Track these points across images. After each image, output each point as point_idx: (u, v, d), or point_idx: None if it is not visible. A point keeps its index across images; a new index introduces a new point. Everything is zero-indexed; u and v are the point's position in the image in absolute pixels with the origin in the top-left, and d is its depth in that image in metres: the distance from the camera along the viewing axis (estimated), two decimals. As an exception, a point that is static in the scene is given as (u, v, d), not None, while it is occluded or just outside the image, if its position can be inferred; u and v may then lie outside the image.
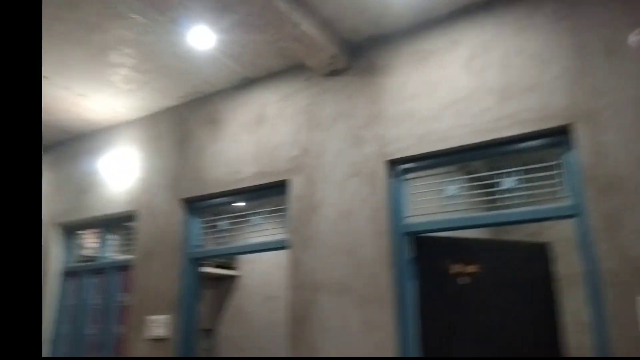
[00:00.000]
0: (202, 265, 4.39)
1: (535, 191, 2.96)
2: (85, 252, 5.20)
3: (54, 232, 5.18)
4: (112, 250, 4.95)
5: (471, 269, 3.38)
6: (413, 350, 3.05)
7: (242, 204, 4.25)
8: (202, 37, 3.48)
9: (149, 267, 4.28)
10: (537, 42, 2.96)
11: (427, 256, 3.29)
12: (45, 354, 4.85)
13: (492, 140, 2.98)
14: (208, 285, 6.11)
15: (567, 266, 4.43)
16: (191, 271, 4.16)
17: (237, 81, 4.19)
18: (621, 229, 2.54)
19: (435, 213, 3.21)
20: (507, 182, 3.08)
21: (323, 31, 3.36)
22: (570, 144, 2.82)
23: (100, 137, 5.13)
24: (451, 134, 3.10)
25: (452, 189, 3.25)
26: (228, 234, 4.22)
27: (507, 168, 3.10)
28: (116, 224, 4.90)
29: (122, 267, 4.64)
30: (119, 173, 4.78)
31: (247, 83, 4.17)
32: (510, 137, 2.94)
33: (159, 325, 4.05)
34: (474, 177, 3.34)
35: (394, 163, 3.33)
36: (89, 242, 5.22)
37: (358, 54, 3.63)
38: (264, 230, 4.00)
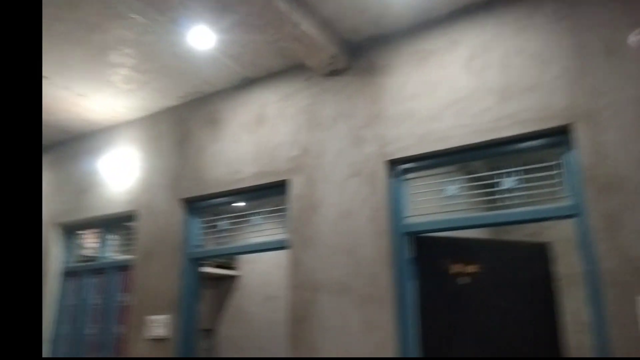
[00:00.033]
0: (202, 265, 4.40)
1: (535, 191, 2.97)
2: (85, 252, 5.20)
3: (54, 232, 5.18)
4: (112, 250, 4.95)
5: (471, 269, 3.38)
6: (413, 350, 3.05)
7: (242, 204, 4.25)
8: (202, 37, 3.49)
9: (149, 267, 4.29)
10: (537, 42, 2.96)
11: (427, 256, 3.29)
12: (45, 354, 4.85)
13: (492, 140, 2.98)
14: (208, 285, 6.11)
15: (566, 266, 4.43)
16: (191, 271, 4.17)
17: (237, 81, 4.19)
18: (621, 229, 2.54)
19: (435, 213, 3.21)
20: (507, 182, 3.08)
21: (323, 31, 3.36)
22: (570, 144, 2.82)
23: (100, 137, 5.13)
24: (451, 134, 3.11)
25: (452, 189, 3.25)
26: (228, 234, 4.22)
27: (507, 168, 3.10)
28: (116, 224, 4.90)
29: (122, 267, 4.64)
30: (119, 173, 4.79)
31: (247, 83, 4.17)
32: (510, 137, 2.94)
33: (159, 325, 4.05)
34: (474, 177, 3.34)
35: (394, 163, 3.33)
36: (89, 242, 5.22)
37: (358, 54, 3.63)
38: (264, 230, 4.00)
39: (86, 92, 4.42)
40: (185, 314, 4.05)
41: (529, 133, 2.89)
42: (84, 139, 5.29)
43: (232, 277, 6.33)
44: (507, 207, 3.04)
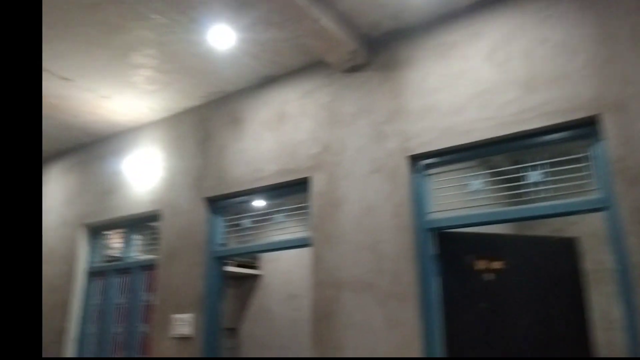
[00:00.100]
0: (226, 264, 4.41)
1: (563, 184, 2.89)
2: (110, 252, 5.27)
3: (80, 232, 5.26)
4: (137, 250, 5.00)
5: (496, 265, 3.32)
6: (438, 348, 3.01)
7: (265, 202, 4.25)
8: (222, 36, 3.50)
9: (173, 266, 4.32)
10: (561, 32, 2.89)
11: (451, 252, 3.24)
12: (72, 353, 4.93)
13: (516, 133, 2.92)
14: (231, 284, 6.14)
15: (593, 262, 4.34)
16: (215, 270, 4.18)
17: (257, 80, 4.20)
18: (653, 221, 2.47)
19: (458, 208, 3.16)
20: (533, 176, 3.01)
21: (342, 26, 3.35)
22: (598, 135, 2.75)
23: (124, 139, 5.20)
24: (474, 127, 3.05)
25: (475, 183, 3.20)
26: (251, 233, 4.23)
27: (532, 161, 3.03)
28: (141, 224, 4.95)
29: (147, 267, 4.69)
30: (143, 173, 4.84)
31: (267, 81, 4.18)
32: (535, 129, 2.87)
33: (184, 324, 4.08)
34: (499, 172, 3.28)
35: (416, 158, 3.30)
36: (114, 242, 5.29)
37: (378, 48, 3.60)
38: (286, 228, 4.00)
39: (110, 94, 4.48)
40: (209, 313, 4.07)
41: (555, 125, 2.82)
42: (108, 141, 5.36)
43: (254, 276, 6.35)
44: (533, 201, 2.97)
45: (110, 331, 4.82)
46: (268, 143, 4.01)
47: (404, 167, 3.28)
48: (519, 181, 3.09)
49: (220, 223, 4.32)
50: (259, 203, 4.28)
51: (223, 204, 4.29)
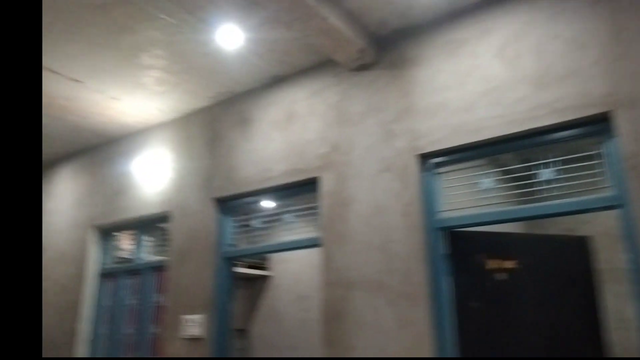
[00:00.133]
0: (236, 264, 4.41)
1: (575, 182, 2.86)
2: (121, 254, 5.29)
3: (91, 234, 5.28)
4: (147, 251, 5.02)
5: (508, 264, 3.29)
6: (450, 348, 2.98)
7: (274, 202, 4.25)
8: (230, 36, 3.50)
9: (183, 267, 4.32)
10: (572, 27, 2.85)
11: (462, 252, 3.21)
12: (83, 354, 4.95)
13: (527, 130, 2.89)
14: (241, 285, 6.14)
15: (605, 262, 4.29)
16: (225, 270, 4.18)
17: (266, 79, 4.19)
18: (668, 218, 2.43)
19: (469, 207, 3.13)
20: (545, 174, 2.98)
21: (350, 25, 3.33)
22: (611, 132, 2.71)
23: (134, 140, 5.22)
24: (485, 125, 3.02)
25: (486, 182, 3.17)
26: (260, 233, 4.22)
27: (544, 159, 3.00)
28: (151, 225, 4.97)
29: (157, 268, 4.70)
30: (153, 175, 4.85)
31: (276, 81, 4.17)
32: (546, 126, 2.84)
33: (194, 324, 4.08)
34: (510, 170, 3.24)
35: (425, 157, 3.27)
36: (125, 243, 5.31)
37: (386, 47, 3.58)
38: (296, 229, 3.99)
39: (119, 95, 4.50)
40: (219, 314, 4.06)
41: (567, 122, 2.79)
42: (117, 142, 5.39)
43: (264, 277, 6.35)
44: (545, 199, 2.94)
45: (121, 332, 4.84)
46: (277, 143, 4.01)
47: (413, 166, 3.26)
48: (530, 179, 3.06)
49: (230, 223, 4.32)
50: (268, 203, 4.28)
51: (232, 205, 4.29)
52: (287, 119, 4.01)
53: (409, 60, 3.45)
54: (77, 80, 4.26)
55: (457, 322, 3.05)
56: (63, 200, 5.80)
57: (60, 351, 5.06)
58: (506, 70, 3.02)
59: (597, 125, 2.76)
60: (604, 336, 3.20)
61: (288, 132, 3.97)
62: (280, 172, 3.91)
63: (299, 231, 3.94)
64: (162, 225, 4.83)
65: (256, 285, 6.41)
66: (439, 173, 3.30)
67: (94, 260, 5.25)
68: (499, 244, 3.35)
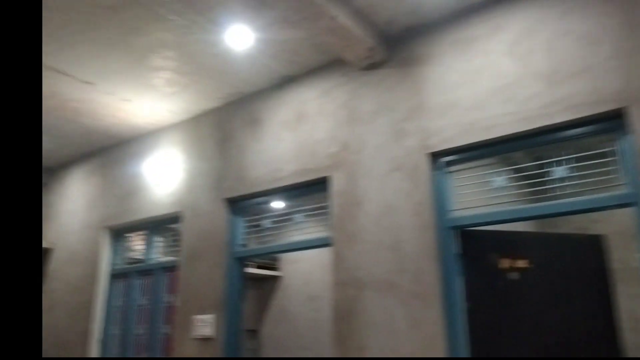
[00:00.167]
0: (246, 264, 4.41)
1: (588, 180, 2.82)
2: (132, 254, 5.32)
3: (103, 235, 5.32)
4: (158, 252, 5.04)
5: (521, 264, 3.26)
6: (462, 348, 2.95)
7: (284, 202, 4.24)
8: (240, 37, 3.51)
9: (194, 267, 4.33)
10: (585, 23, 2.82)
11: (474, 251, 3.18)
12: (96, 354, 4.98)
13: (540, 127, 2.85)
14: (251, 286, 6.15)
15: (618, 261, 4.23)
16: (236, 271, 4.18)
17: (276, 80, 4.19)
18: (685, 215, 2.39)
19: (481, 206, 3.10)
20: (558, 172, 2.94)
21: (360, 23, 3.32)
22: (625, 128, 2.67)
23: (145, 141, 5.24)
24: (497, 122, 2.99)
25: (499, 180, 3.14)
26: (271, 233, 4.22)
27: (556, 157, 2.96)
28: (162, 225, 4.99)
29: (168, 268, 4.71)
30: (164, 176, 4.87)
31: (286, 81, 4.17)
32: (559, 123, 2.80)
33: (205, 325, 4.09)
34: (522, 168, 3.21)
35: (437, 155, 3.25)
36: (136, 244, 5.34)
37: (396, 45, 3.56)
38: (306, 228, 3.98)
39: (130, 97, 4.52)
40: (230, 314, 4.07)
41: (580, 119, 2.75)
42: (129, 144, 5.42)
43: (274, 278, 6.35)
44: (558, 197, 2.90)
45: (132, 332, 4.86)
46: (287, 143, 4.01)
47: (424, 165, 3.24)
48: (542, 177, 3.03)
49: (241, 224, 4.32)
50: (278, 203, 4.27)
51: (243, 205, 4.30)
52: (297, 119, 4.01)
53: (419, 58, 3.43)
54: (88, 82, 4.29)
55: (468, 322, 3.02)
56: (75, 202, 5.84)
57: (73, 352, 5.09)
58: (518, 67, 2.99)
59: (611, 122, 2.72)
60: (618, 337, 3.15)
61: (298, 132, 3.96)
62: (291, 172, 3.91)
63: (310, 231, 3.93)
64: (173, 225, 4.85)
65: (267, 286, 6.41)
66: (450, 172, 3.27)
67: (105, 261, 5.28)
68: (511, 243, 3.31)
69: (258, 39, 3.57)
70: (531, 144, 2.98)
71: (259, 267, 6.02)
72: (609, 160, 2.77)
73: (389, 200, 3.33)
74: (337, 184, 3.62)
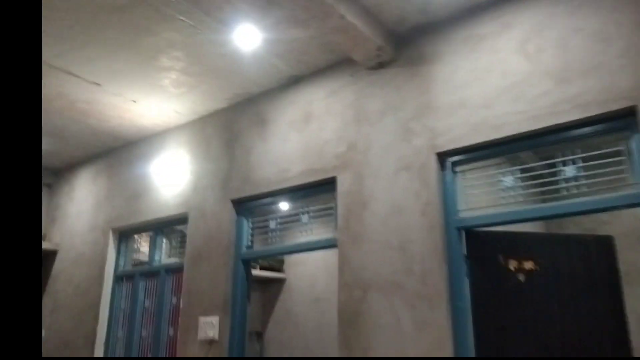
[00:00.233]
0: (252, 266, 4.38)
1: (599, 179, 2.78)
2: (138, 256, 5.31)
3: (109, 236, 5.31)
4: (165, 253, 5.03)
5: (529, 265, 3.21)
6: (469, 351, 2.91)
7: (291, 203, 4.22)
8: (248, 37, 3.50)
9: (200, 268, 4.31)
10: (596, 20, 2.79)
11: (482, 252, 3.14)
12: (100, 356, 4.96)
13: (550, 126, 2.81)
14: (256, 288, 6.11)
15: (627, 264, 4.18)
16: (241, 272, 4.16)
17: (283, 80, 4.18)
18: (699, 214, 2.34)
19: (490, 206, 3.06)
20: (568, 171, 2.91)
21: (368, 22, 3.30)
22: (637, 126, 2.63)
23: (152, 142, 5.25)
24: (506, 121, 2.96)
25: (508, 180, 3.10)
26: (278, 234, 4.20)
27: (566, 156, 2.93)
28: (168, 226, 4.98)
29: (174, 270, 4.70)
30: (170, 177, 4.87)
31: (293, 81, 4.16)
32: (570, 122, 2.76)
33: (210, 326, 4.06)
34: (531, 167, 3.17)
35: (445, 155, 3.21)
36: (143, 245, 5.33)
37: (405, 44, 3.54)
38: (313, 229, 3.95)
39: (138, 98, 4.53)
40: (235, 316, 4.04)
41: (591, 117, 2.71)
42: (136, 145, 5.42)
43: (279, 280, 6.32)
44: (567, 197, 2.86)
45: (138, 334, 4.84)
46: (294, 143, 3.99)
47: (432, 165, 3.21)
48: (551, 177, 2.99)
49: (247, 224, 4.30)
50: (285, 205, 4.25)
51: (249, 206, 4.28)
52: (304, 119, 3.99)
53: (427, 57, 3.41)
54: (96, 83, 4.30)
55: (476, 324, 2.97)
56: (82, 203, 5.85)
57: (77, 353, 5.08)
58: (527, 65, 2.96)
59: (622, 121, 2.68)
60: (628, 340, 3.10)
61: (305, 132, 3.94)
62: (298, 172, 3.89)
63: (316, 232, 3.90)
64: (179, 227, 4.84)
65: (272, 288, 6.38)
66: (459, 171, 3.24)
67: (112, 263, 5.27)
68: (519, 244, 3.27)
69: (265, 39, 3.56)
70: (541, 143, 2.94)
71: (265, 268, 5.99)
72: (619, 160, 2.73)
73: (396, 200, 3.30)
74: (344, 184, 3.59)
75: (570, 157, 2.92)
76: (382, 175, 3.41)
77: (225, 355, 3.93)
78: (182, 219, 4.69)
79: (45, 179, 6.32)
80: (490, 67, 3.10)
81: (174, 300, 4.63)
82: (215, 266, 4.19)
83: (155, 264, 4.94)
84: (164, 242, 5.05)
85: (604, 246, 3.31)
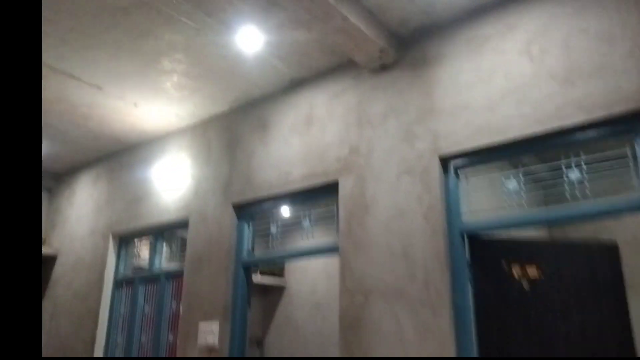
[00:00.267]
0: (253, 271, 4.34)
1: (605, 181, 2.73)
2: (138, 260, 5.27)
3: (109, 241, 5.27)
4: (165, 258, 4.98)
5: (533, 271, 3.16)
6: (472, 358, 2.85)
7: (292, 207, 4.18)
8: (250, 39, 3.48)
9: (200, 273, 4.27)
10: (601, 21, 2.75)
11: (485, 258, 3.09)
12: (100, 361, 4.93)
13: (555, 129, 2.76)
14: (257, 294, 6.07)
15: (629, 270, 4.12)
16: (242, 278, 4.11)
17: (285, 83, 4.15)
18: None
19: (494, 210, 3.02)
20: (573, 175, 2.86)
21: (371, 24, 3.27)
22: (643, 129, 2.59)
23: (153, 146, 5.22)
24: (510, 124, 2.92)
25: (512, 184, 3.06)
26: (279, 239, 4.15)
27: (571, 159, 2.88)
28: (169, 231, 4.94)
29: (175, 275, 4.66)
30: (171, 181, 4.83)
31: (295, 84, 4.13)
32: (575, 125, 2.71)
33: (210, 332, 4.01)
34: (535, 171, 3.12)
35: (448, 158, 3.17)
36: (143, 250, 5.29)
37: (407, 46, 3.51)
38: (314, 234, 3.91)
39: (139, 101, 4.51)
40: (236, 322, 3.99)
41: (596, 120, 2.66)
42: (136, 149, 5.40)
43: (280, 287, 6.27)
44: (573, 201, 2.82)
45: (137, 340, 4.79)
46: (296, 147, 3.95)
47: (435, 168, 3.16)
48: (556, 181, 2.95)
49: (248, 229, 4.26)
50: (286, 210, 4.21)
51: (251, 210, 4.24)
52: (306, 123, 3.96)
53: (430, 59, 3.37)
54: (97, 86, 4.28)
55: (479, 331, 2.92)
56: (82, 208, 5.82)
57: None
58: (532, 67, 2.92)
59: (628, 123, 2.64)
60: (633, 348, 3.04)
61: (307, 136, 3.91)
62: (299, 176, 3.85)
63: (318, 237, 3.86)
64: (180, 231, 4.80)
65: (272, 295, 6.33)
66: (463, 175, 3.19)
67: (111, 267, 5.24)
68: (522, 251, 3.22)
69: (267, 41, 3.54)
70: (545, 146, 2.89)
71: (265, 274, 5.95)
72: (625, 163, 2.69)
73: (398, 204, 3.26)
74: (345, 188, 3.55)
75: (581, 160, 2.87)
76: (385, 179, 3.37)
77: (225, 360, 3.88)
78: (182, 223, 4.65)
79: (45, 183, 6.30)
80: (494, 69, 3.06)
81: (174, 305, 4.58)
82: (215, 271, 4.15)
83: (155, 269, 4.89)
84: (164, 247, 5.01)
85: (609, 252, 3.26)
